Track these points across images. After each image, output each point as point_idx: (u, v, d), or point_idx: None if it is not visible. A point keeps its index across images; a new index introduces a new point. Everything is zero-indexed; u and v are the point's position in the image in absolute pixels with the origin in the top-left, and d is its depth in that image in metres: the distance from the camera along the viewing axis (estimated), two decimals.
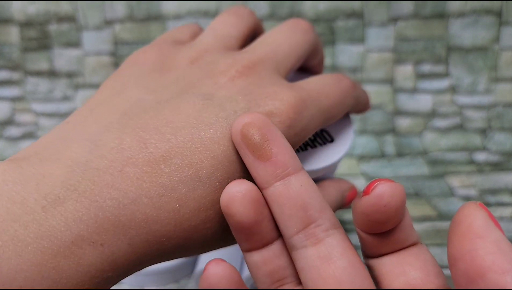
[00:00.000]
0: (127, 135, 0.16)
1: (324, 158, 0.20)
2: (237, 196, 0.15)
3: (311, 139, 0.21)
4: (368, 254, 0.16)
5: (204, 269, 0.16)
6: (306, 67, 0.23)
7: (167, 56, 0.20)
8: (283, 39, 0.20)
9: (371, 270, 0.16)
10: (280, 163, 0.15)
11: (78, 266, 0.14)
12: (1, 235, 0.13)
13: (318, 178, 0.22)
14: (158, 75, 0.19)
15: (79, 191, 0.15)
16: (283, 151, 0.16)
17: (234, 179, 0.16)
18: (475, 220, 0.13)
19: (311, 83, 0.19)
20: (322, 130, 0.21)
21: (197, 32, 0.23)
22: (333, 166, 0.21)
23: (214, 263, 0.15)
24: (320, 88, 0.19)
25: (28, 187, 0.14)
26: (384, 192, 0.14)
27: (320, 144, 0.21)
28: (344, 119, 0.22)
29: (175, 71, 0.19)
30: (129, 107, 0.18)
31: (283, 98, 0.17)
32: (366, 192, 0.14)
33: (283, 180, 0.15)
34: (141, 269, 0.16)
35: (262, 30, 0.23)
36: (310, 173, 0.20)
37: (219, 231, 0.17)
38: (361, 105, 0.22)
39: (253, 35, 0.22)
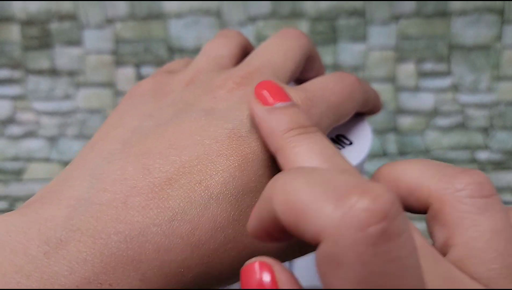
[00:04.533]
0: (130, 164, 0.15)
1: None
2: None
3: None
4: None
5: None
6: (305, 80, 0.23)
7: (162, 83, 0.20)
8: (277, 47, 0.20)
9: None
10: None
11: None
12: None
13: None
14: (154, 101, 0.19)
15: (81, 230, 0.14)
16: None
17: (249, 188, 0.15)
18: None
19: (314, 83, 0.19)
20: (338, 136, 0.21)
21: (190, 62, 0.23)
22: (358, 168, 0.20)
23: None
24: (324, 86, 0.18)
25: (30, 234, 0.13)
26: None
27: (339, 149, 0.20)
28: (360, 122, 0.22)
29: (171, 95, 0.19)
30: (129, 136, 0.17)
31: None
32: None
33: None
34: None
35: (252, 49, 0.23)
36: None
37: (243, 252, 0.15)
38: (372, 102, 0.21)
39: (244, 54, 0.22)
